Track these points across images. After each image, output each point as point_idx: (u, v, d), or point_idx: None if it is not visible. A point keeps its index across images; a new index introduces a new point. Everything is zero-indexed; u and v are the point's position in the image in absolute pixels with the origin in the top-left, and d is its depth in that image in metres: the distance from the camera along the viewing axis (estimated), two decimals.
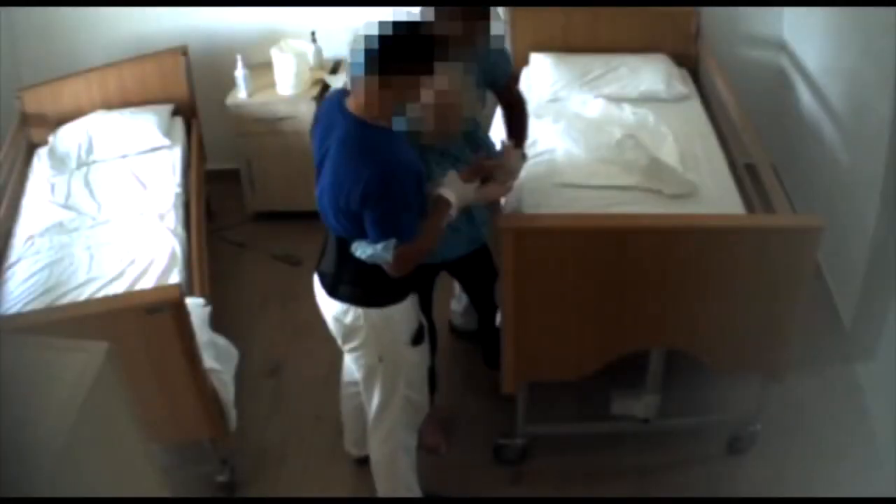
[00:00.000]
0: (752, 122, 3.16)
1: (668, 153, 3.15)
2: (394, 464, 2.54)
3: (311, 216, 2.45)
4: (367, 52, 1.94)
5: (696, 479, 2.81)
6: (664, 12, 3.82)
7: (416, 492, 2.61)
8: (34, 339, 1.44)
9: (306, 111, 3.74)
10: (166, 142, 3.63)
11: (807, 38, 3.74)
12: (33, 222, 3.25)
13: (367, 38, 1.94)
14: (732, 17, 3.91)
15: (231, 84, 3.88)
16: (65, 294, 2.85)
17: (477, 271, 2.79)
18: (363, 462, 2.72)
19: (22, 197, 3.45)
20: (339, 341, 2.40)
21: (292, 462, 2.94)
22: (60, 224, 3.21)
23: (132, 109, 3.72)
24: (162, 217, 3.21)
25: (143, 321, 2.25)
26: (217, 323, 2.84)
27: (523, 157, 2.63)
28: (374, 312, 2.26)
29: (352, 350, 2.37)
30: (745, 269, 2.39)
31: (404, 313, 2.30)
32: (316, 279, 2.35)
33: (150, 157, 3.57)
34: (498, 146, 2.60)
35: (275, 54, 3.79)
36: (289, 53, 3.78)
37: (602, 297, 2.45)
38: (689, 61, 3.84)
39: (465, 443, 2.96)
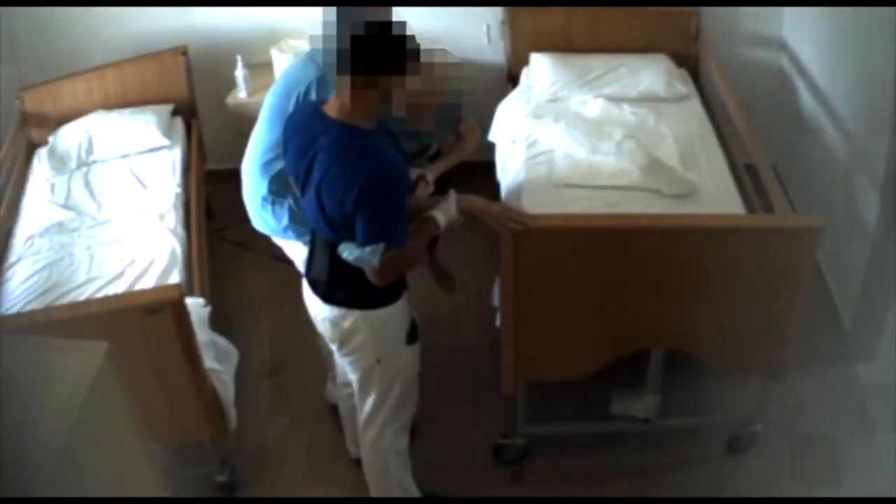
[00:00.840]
0: (752, 122, 3.16)
1: (668, 153, 3.15)
2: (386, 464, 2.53)
3: None
4: (352, 52, 1.91)
5: (696, 479, 2.81)
6: (664, 12, 3.82)
7: (412, 491, 2.60)
8: (34, 339, 1.44)
9: None
10: (166, 142, 3.63)
11: (807, 38, 3.74)
12: (33, 222, 3.25)
13: (341, 37, 1.91)
14: (732, 17, 3.91)
15: (231, 84, 3.88)
16: (65, 294, 2.85)
17: None
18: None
19: (22, 197, 3.45)
20: (335, 346, 2.38)
21: (292, 462, 2.95)
22: (60, 224, 3.21)
23: (132, 109, 3.72)
24: (162, 217, 3.20)
25: (143, 321, 2.25)
26: (217, 323, 2.83)
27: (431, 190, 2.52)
28: (373, 314, 2.25)
29: (348, 353, 2.35)
30: (745, 269, 2.39)
31: (400, 312, 2.30)
32: (305, 285, 2.33)
33: (150, 157, 3.57)
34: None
35: (275, 54, 3.79)
36: (289, 53, 3.78)
37: (602, 297, 2.45)
38: (689, 61, 3.84)
39: (465, 443, 2.96)
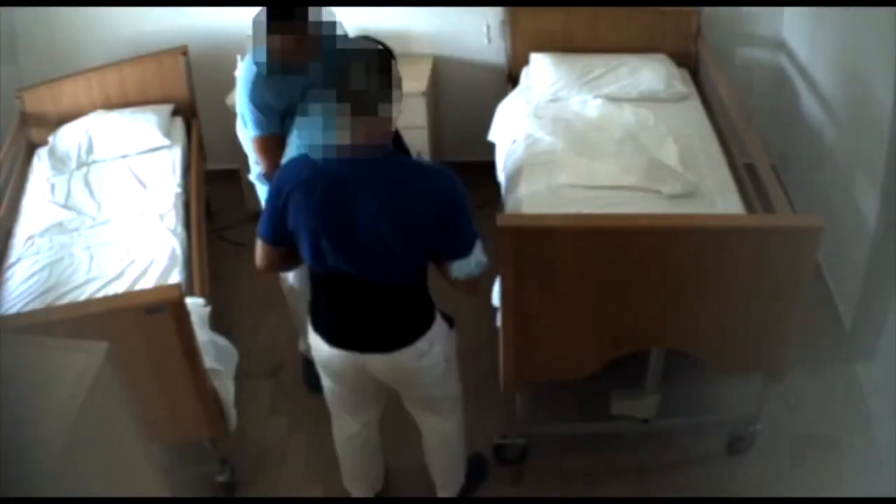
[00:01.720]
0: (752, 122, 3.16)
1: (668, 153, 3.15)
2: (464, 439, 2.61)
3: None
4: (359, 93, 1.85)
5: (696, 479, 2.81)
6: (664, 12, 3.82)
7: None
8: (34, 339, 1.44)
9: None
10: (166, 142, 3.63)
11: (807, 38, 3.74)
12: (33, 222, 3.25)
13: (343, 79, 1.86)
14: (732, 17, 3.91)
15: (231, 84, 3.87)
16: (65, 294, 2.85)
17: None
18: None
19: (22, 197, 3.45)
20: (418, 387, 2.33)
21: (292, 462, 2.95)
22: (60, 224, 3.21)
23: (132, 109, 3.72)
24: (162, 217, 3.21)
25: (143, 321, 2.25)
26: (217, 323, 2.83)
27: None
28: (436, 323, 2.22)
29: (429, 379, 2.29)
30: (745, 269, 2.39)
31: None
32: (352, 360, 2.21)
33: (150, 157, 3.57)
34: None
35: None
36: None
37: (602, 297, 2.45)
38: (689, 61, 3.84)
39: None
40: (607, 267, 2.40)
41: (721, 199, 2.94)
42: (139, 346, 2.27)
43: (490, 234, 2.43)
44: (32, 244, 3.13)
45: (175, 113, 3.82)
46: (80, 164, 3.55)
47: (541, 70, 3.73)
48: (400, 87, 1.94)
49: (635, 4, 3.79)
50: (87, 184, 3.45)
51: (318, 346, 2.24)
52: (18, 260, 3.07)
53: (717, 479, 2.81)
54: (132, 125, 3.63)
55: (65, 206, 3.31)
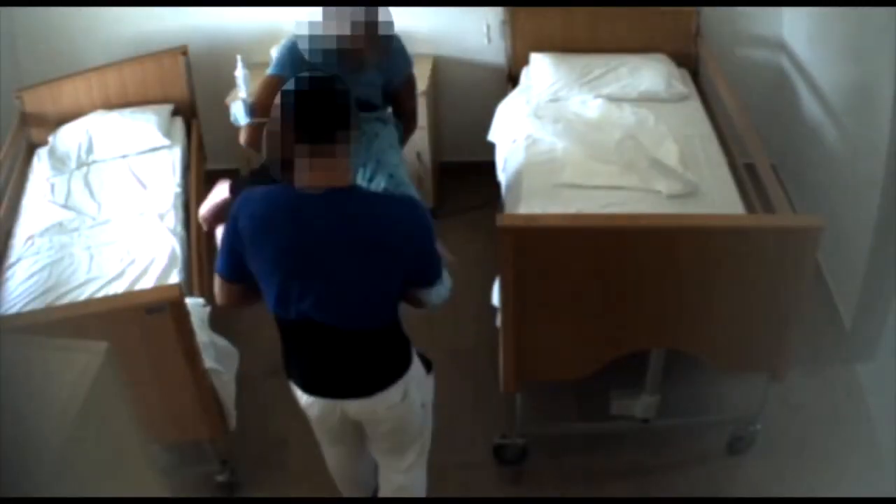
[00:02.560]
0: (752, 122, 3.16)
1: (668, 153, 3.15)
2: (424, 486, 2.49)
3: None
4: (331, 120, 1.83)
5: (696, 479, 2.81)
6: (664, 12, 3.82)
7: None
8: (34, 339, 1.44)
9: None
10: (166, 142, 3.63)
11: (807, 38, 3.74)
12: (33, 222, 3.25)
13: (310, 108, 1.81)
14: (732, 17, 3.91)
15: (231, 84, 3.87)
16: (65, 294, 2.85)
17: None
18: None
19: (22, 197, 3.45)
20: (391, 440, 2.24)
21: (292, 462, 2.94)
22: (60, 224, 3.21)
23: (132, 109, 3.72)
24: (162, 217, 3.21)
25: (142, 321, 2.25)
26: (217, 323, 2.83)
27: None
28: (413, 363, 2.14)
29: (406, 425, 2.20)
30: (745, 269, 2.39)
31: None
32: (330, 406, 2.16)
33: (149, 157, 3.57)
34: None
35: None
36: None
37: (602, 297, 2.45)
38: (689, 61, 3.85)
39: (465, 443, 2.96)
40: (607, 267, 2.40)
41: (721, 199, 2.94)
42: (139, 346, 2.27)
43: (490, 234, 2.44)
44: (32, 244, 3.13)
45: (175, 113, 3.82)
46: (80, 164, 3.55)
47: (541, 70, 3.73)
48: (357, 127, 1.90)
49: (635, 4, 3.79)
50: (87, 184, 3.44)
51: (296, 392, 2.22)
52: (18, 260, 3.07)
53: (717, 479, 2.81)
54: (132, 125, 3.63)
55: (65, 206, 3.31)
